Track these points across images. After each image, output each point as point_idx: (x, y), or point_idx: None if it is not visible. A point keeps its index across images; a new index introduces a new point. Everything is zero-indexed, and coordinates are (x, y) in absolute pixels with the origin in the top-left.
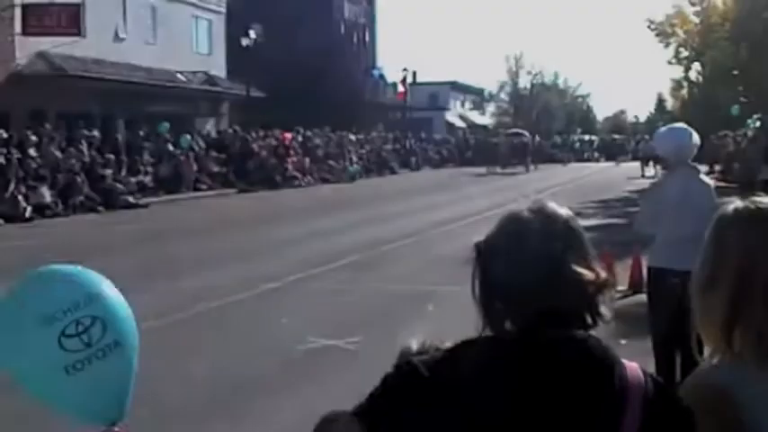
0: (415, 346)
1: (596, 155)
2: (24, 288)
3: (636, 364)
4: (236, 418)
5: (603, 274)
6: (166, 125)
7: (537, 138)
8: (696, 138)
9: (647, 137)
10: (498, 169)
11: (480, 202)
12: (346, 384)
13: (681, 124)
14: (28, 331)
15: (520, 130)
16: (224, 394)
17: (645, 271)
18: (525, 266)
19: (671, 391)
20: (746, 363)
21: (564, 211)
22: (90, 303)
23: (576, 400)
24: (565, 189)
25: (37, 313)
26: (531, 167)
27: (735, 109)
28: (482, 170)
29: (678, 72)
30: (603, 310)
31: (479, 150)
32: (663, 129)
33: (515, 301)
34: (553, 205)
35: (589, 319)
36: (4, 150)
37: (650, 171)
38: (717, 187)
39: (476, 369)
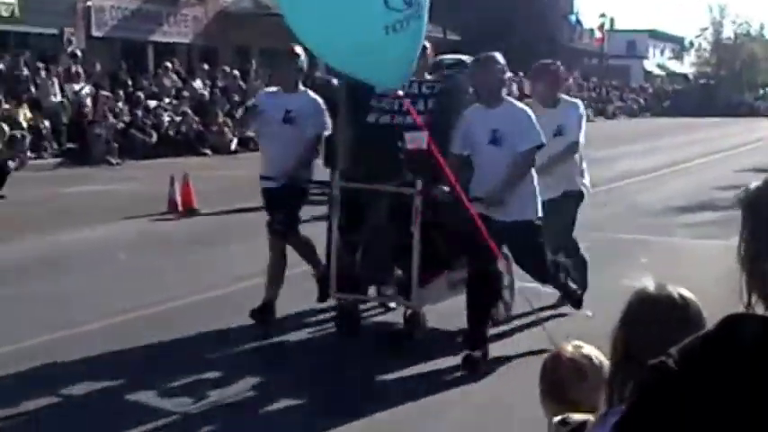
0: (651, 286)
1: None
2: None
3: None
4: None
5: None
6: None
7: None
8: None
9: None
10: None
11: (687, 151)
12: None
13: None
14: None
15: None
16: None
17: None
18: None
19: None
20: None
21: None
22: None
23: None
24: None
25: None
26: None
27: None
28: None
29: None
30: None
31: (677, 101)
32: None
33: None
34: None
35: None
36: (212, 84)
37: None
38: None
39: (751, 359)
